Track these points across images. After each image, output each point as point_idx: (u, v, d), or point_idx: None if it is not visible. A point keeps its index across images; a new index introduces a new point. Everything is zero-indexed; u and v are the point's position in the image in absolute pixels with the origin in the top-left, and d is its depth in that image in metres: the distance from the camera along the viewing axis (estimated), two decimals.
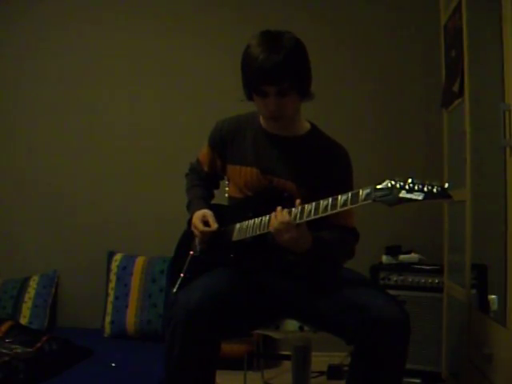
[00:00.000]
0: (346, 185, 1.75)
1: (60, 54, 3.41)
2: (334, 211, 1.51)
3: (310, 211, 1.56)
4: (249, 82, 1.73)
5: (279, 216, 1.60)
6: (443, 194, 1.35)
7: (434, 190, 1.35)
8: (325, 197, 1.55)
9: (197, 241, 1.87)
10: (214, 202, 2.07)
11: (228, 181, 1.96)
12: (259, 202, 1.80)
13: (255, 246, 1.79)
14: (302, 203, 1.60)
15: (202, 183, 2.04)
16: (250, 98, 1.79)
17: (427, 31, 3.04)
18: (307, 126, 1.88)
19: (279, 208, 1.62)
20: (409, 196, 1.36)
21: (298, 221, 1.59)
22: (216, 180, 2.07)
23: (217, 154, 1.94)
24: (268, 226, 1.68)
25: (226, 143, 1.90)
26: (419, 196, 1.35)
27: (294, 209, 1.61)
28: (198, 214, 1.87)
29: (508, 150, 1.75)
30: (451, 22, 2.45)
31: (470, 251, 2.17)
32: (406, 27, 3.19)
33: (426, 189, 1.35)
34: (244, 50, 1.73)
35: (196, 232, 1.84)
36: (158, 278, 3.06)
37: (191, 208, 1.95)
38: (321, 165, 1.80)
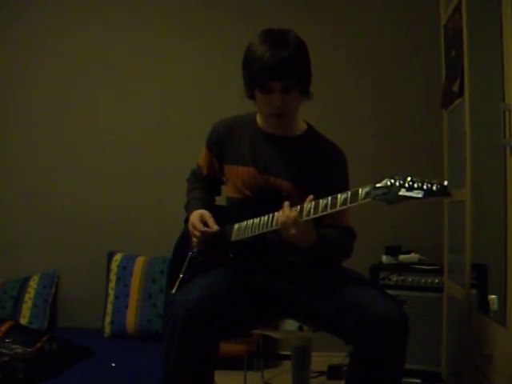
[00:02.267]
0: (342, 184, 1.75)
1: (60, 55, 3.41)
2: (334, 210, 1.51)
3: (310, 210, 1.57)
4: (253, 79, 1.73)
5: (286, 211, 1.60)
6: (443, 191, 1.35)
7: (434, 188, 1.35)
8: (321, 196, 1.55)
9: (194, 240, 1.87)
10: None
11: (226, 181, 1.96)
12: (258, 201, 1.80)
13: (254, 245, 1.79)
14: (299, 203, 1.60)
15: (202, 186, 2.04)
16: (251, 96, 1.79)
17: (427, 31, 3.05)
18: (304, 126, 1.89)
19: (286, 203, 1.61)
20: (408, 194, 1.36)
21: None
22: (216, 184, 2.06)
23: (214, 155, 1.95)
24: (267, 226, 1.69)
25: (223, 144, 1.91)
26: (419, 194, 1.35)
27: (293, 207, 1.61)
28: (196, 214, 1.86)
29: (508, 149, 1.75)
30: (451, 21, 2.45)
31: (469, 251, 2.17)
32: (406, 27, 3.19)
33: (425, 186, 1.35)
34: (247, 49, 1.74)
35: (195, 232, 1.84)
36: (157, 278, 3.06)
37: (189, 208, 1.95)
38: (317, 164, 1.81)
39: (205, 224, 1.84)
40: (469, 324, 2.13)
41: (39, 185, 3.40)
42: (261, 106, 1.78)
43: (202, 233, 1.82)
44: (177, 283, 1.87)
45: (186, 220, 1.92)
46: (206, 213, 1.86)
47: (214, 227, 1.83)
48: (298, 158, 1.82)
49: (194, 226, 1.84)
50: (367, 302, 1.55)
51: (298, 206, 1.60)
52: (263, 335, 2.82)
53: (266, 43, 1.67)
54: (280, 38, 1.69)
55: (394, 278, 2.73)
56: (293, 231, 1.60)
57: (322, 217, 1.57)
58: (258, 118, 1.88)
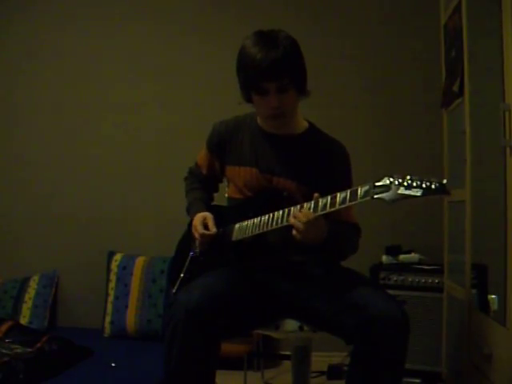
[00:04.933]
0: (346, 181, 1.77)
1: (59, 55, 3.41)
2: (333, 209, 1.51)
3: (309, 210, 1.56)
4: (247, 82, 1.73)
5: (300, 216, 1.57)
6: (441, 189, 1.36)
7: (433, 186, 1.35)
8: (325, 194, 1.55)
9: (197, 243, 1.87)
10: (213, 202, 2.08)
11: (228, 182, 1.96)
12: (259, 202, 1.80)
13: (255, 245, 1.79)
14: (302, 202, 1.60)
15: (201, 186, 2.04)
16: (248, 99, 1.79)
17: (427, 31, 3.05)
18: (305, 124, 1.89)
19: (296, 208, 1.60)
20: (407, 192, 1.36)
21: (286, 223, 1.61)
22: (215, 183, 2.06)
23: (215, 156, 1.95)
24: (267, 226, 1.69)
25: (224, 145, 1.91)
26: (418, 192, 1.35)
27: (293, 207, 1.62)
28: (199, 217, 1.87)
29: (508, 149, 1.75)
30: (451, 21, 2.45)
31: (469, 251, 2.17)
32: (405, 27, 3.19)
33: (424, 185, 1.35)
34: (239, 52, 1.74)
35: (196, 234, 1.85)
36: (158, 278, 3.06)
37: (191, 210, 1.95)
38: (320, 162, 1.81)
39: (206, 226, 1.84)
40: (469, 324, 2.13)
41: (39, 185, 3.40)
42: (258, 108, 1.78)
43: (202, 235, 1.83)
44: (177, 283, 1.88)
45: (190, 223, 1.93)
46: (208, 215, 1.87)
47: (213, 230, 1.83)
48: (301, 157, 1.82)
49: (195, 229, 1.85)
50: (368, 302, 1.55)
51: (298, 206, 1.60)
52: (263, 335, 2.82)
53: (257, 45, 1.67)
54: (271, 38, 1.69)
55: (394, 278, 2.73)
56: (312, 232, 1.58)
57: (327, 215, 1.56)
58: (259, 118, 1.88)
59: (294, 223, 1.58)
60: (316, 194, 1.57)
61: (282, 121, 1.78)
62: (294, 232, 1.59)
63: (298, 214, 1.57)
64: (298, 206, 1.60)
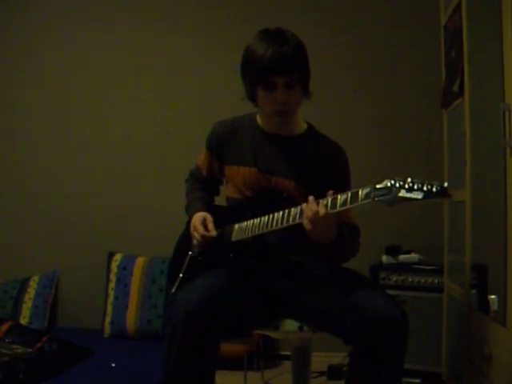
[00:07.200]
0: (344, 182, 1.78)
1: (60, 55, 3.41)
2: (334, 211, 1.51)
3: None
4: (256, 76, 1.72)
5: (313, 207, 1.53)
6: (442, 192, 1.35)
7: (434, 189, 1.35)
8: (323, 195, 1.55)
9: (194, 242, 1.87)
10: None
11: (227, 182, 1.96)
12: (258, 202, 1.80)
13: (254, 246, 1.79)
14: (301, 202, 1.60)
15: (202, 186, 2.04)
16: (252, 97, 1.79)
17: (427, 31, 3.04)
18: (304, 125, 1.89)
19: (311, 198, 1.56)
20: (408, 195, 1.36)
21: (297, 221, 1.59)
22: (215, 184, 2.06)
23: (214, 156, 1.95)
24: (266, 226, 1.69)
25: (223, 144, 1.91)
26: (419, 195, 1.35)
27: (292, 208, 1.61)
28: (198, 216, 1.86)
29: (508, 149, 1.75)
30: (451, 22, 2.45)
31: (469, 251, 2.17)
32: (406, 27, 3.19)
33: (425, 188, 1.35)
34: (246, 50, 1.75)
35: (196, 235, 1.84)
36: (157, 278, 3.06)
37: (190, 210, 1.95)
38: (319, 163, 1.81)
39: (205, 227, 1.84)
40: (469, 324, 2.13)
41: (39, 185, 3.40)
42: (263, 104, 1.78)
43: (202, 236, 1.82)
44: (176, 283, 1.88)
45: (189, 221, 1.92)
46: (208, 216, 1.86)
47: (213, 233, 1.82)
48: (300, 157, 1.82)
49: (195, 229, 1.85)
50: (367, 303, 1.55)
51: (299, 207, 1.60)
52: (263, 335, 2.81)
53: (266, 41, 1.69)
54: (280, 35, 1.71)
55: (394, 278, 2.73)
56: (321, 226, 1.55)
57: None
58: (258, 118, 1.88)
59: (303, 207, 1.56)
60: (311, 197, 1.57)
61: (286, 118, 1.78)
62: (305, 221, 1.55)
63: (312, 206, 1.53)
64: (300, 207, 1.59)
